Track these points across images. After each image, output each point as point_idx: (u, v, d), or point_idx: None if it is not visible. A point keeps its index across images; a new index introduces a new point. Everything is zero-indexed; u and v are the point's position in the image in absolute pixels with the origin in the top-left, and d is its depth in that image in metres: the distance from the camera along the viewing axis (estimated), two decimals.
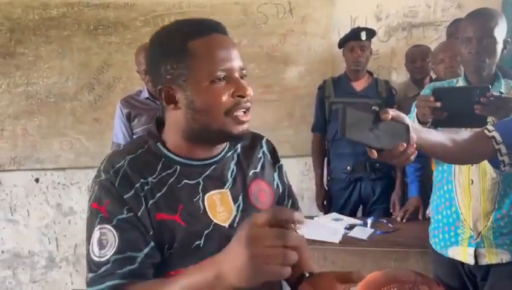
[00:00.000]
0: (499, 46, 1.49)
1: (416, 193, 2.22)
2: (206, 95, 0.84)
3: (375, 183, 2.52)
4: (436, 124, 1.37)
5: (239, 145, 0.99)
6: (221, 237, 0.88)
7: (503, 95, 1.43)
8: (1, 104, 2.88)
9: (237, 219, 0.92)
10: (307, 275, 0.97)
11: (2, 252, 3.08)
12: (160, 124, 0.95)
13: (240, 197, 0.94)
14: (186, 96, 0.85)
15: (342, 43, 2.53)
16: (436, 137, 1.04)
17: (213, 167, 0.92)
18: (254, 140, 1.04)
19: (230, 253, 0.64)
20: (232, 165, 0.96)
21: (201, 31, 0.85)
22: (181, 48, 0.84)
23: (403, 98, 2.56)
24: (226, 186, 0.92)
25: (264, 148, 1.05)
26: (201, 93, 0.84)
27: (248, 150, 1.01)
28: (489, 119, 1.40)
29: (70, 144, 2.94)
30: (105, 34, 2.84)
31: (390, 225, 2.21)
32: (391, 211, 2.48)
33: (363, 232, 2.12)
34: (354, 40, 2.45)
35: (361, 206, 2.61)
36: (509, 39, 1.52)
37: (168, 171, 0.88)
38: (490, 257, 1.53)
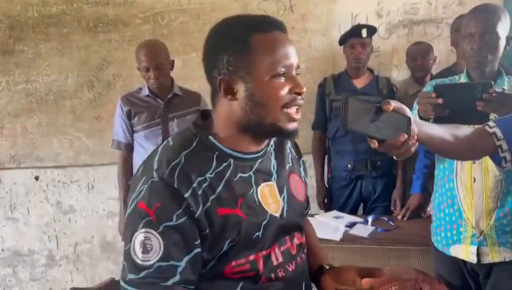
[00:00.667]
0: (502, 42, 1.47)
1: (419, 190, 2.21)
2: (267, 89, 0.86)
3: (376, 181, 2.50)
4: (437, 121, 1.35)
5: (272, 141, 1.02)
6: (276, 227, 0.93)
7: (505, 92, 1.42)
8: (0, 101, 2.88)
9: (285, 209, 0.96)
10: (327, 267, 1.04)
11: (2, 250, 3.08)
12: (204, 117, 0.95)
13: (285, 189, 0.98)
14: (246, 89, 0.86)
15: (342, 40, 2.52)
16: (437, 132, 1.04)
17: (259, 160, 0.94)
18: None
19: None
20: (273, 160, 0.99)
21: (264, 27, 0.87)
22: (244, 41, 0.86)
23: (403, 95, 2.55)
24: (272, 179, 0.96)
25: (289, 144, 1.09)
26: (262, 87, 0.86)
27: (279, 146, 1.04)
28: (492, 116, 1.39)
29: (70, 142, 2.93)
30: (105, 32, 2.83)
31: (391, 222, 2.20)
32: (392, 208, 2.47)
33: (363, 230, 2.11)
34: (355, 37, 2.44)
35: (362, 204, 2.60)
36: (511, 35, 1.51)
37: (224, 165, 0.89)
38: (493, 256, 1.52)
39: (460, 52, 2.26)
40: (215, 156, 0.89)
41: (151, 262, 0.80)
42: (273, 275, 0.92)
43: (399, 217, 2.25)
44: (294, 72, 0.89)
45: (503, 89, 1.50)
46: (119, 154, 2.36)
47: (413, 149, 0.89)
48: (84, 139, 2.93)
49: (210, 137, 0.90)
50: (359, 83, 2.52)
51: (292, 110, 0.88)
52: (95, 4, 2.80)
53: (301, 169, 1.09)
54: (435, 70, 2.64)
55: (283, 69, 0.86)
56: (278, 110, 0.87)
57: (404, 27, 2.86)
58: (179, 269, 0.82)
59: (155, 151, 0.90)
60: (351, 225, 2.17)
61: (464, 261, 1.58)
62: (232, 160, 0.90)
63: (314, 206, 2.75)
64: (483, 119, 1.28)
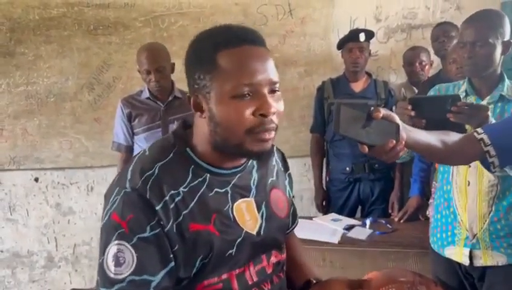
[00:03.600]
0: (497, 49, 1.48)
1: (418, 193, 2.23)
2: (226, 110, 0.80)
3: (374, 184, 2.52)
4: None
5: None
6: (251, 245, 0.90)
7: (474, 103, 1.44)
8: (1, 103, 2.88)
9: (263, 226, 0.93)
10: (314, 281, 1.00)
11: (1, 251, 3.08)
12: (186, 127, 0.93)
13: (263, 206, 0.94)
14: (208, 108, 0.82)
15: (340, 45, 2.54)
16: (425, 138, 1.07)
17: (238, 175, 0.91)
18: None
19: None
20: (254, 173, 0.95)
21: (230, 42, 0.81)
22: (209, 58, 0.81)
23: (401, 99, 2.57)
24: (250, 195, 0.92)
25: (276, 156, 1.05)
26: (221, 108, 0.80)
27: None
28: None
29: (70, 144, 2.94)
30: (105, 34, 2.85)
31: (389, 225, 2.22)
32: (390, 211, 2.49)
33: (361, 232, 2.12)
34: (353, 41, 2.46)
35: (360, 207, 2.62)
36: (511, 40, 1.52)
37: (199, 179, 0.85)
38: (486, 259, 1.54)
39: (449, 60, 2.29)
40: (191, 169, 0.85)
41: (123, 276, 0.77)
42: None
43: (396, 219, 2.27)
44: (264, 90, 0.80)
45: (502, 95, 1.53)
46: (119, 157, 2.37)
47: (401, 154, 0.93)
48: (84, 141, 2.94)
49: (187, 149, 0.87)
50: (357, 86, 2.54)
51: (260, 135, 0.81)
52: (96, 7, 2.81)
53: (286, 182, 1.06)
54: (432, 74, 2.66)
55: (247, 88, 0.79)
56: (242, 133, 0.80)
57: (402, 31, 2.89)
58: (153, 284, 0.78)
59: (131, 160, 0.87)
60: (349, 227, 2.19)
61: (459, 263, 1.60)
62: (208, 175, 0.86)
63: (312, 209, 2.77)
64: (460, 130, 1.28)
